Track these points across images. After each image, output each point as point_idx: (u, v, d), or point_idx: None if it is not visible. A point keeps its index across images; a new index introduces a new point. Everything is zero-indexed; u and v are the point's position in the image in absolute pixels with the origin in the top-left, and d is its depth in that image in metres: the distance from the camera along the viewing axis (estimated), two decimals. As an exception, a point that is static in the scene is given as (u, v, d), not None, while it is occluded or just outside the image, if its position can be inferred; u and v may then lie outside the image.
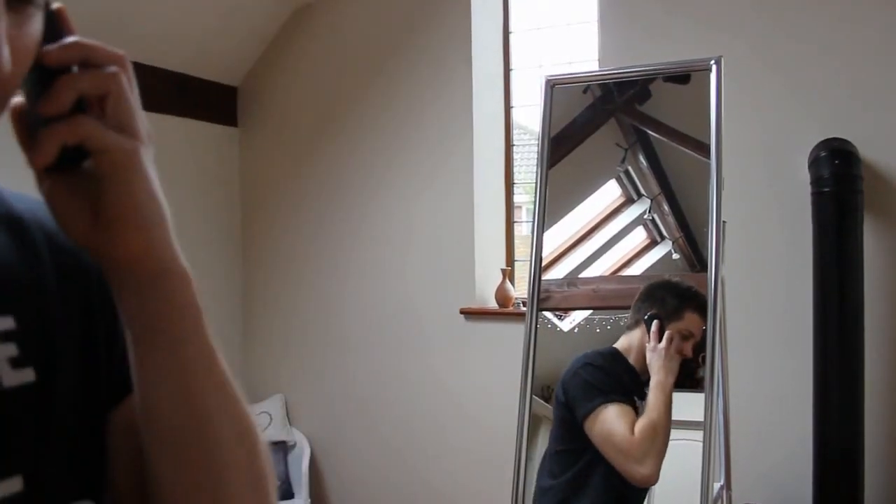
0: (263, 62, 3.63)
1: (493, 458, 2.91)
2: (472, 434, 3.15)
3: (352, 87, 3.43)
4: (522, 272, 3.24)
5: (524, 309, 2.26)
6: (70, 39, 0.47)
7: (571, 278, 2.20)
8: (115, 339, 0.57)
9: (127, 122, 0.48)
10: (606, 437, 1.90)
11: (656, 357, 1.93)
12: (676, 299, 2.01)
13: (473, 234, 3.18)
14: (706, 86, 2.03)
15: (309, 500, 3.32)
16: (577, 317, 2.18)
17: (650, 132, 2.17)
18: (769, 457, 2.62)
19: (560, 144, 2.24)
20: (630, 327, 2.02)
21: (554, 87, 2.25)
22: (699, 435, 1.87)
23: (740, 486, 2.32)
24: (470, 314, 3.17)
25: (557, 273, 2.22)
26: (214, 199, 3.59)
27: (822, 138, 2.53)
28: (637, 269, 2.16)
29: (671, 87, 2.17)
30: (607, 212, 2.22)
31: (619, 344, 2.02)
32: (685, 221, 2.11)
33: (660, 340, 1.94)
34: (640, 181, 2.17)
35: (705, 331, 1.93)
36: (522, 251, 3.34)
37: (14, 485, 0.49)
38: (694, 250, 2.07)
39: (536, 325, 2.14)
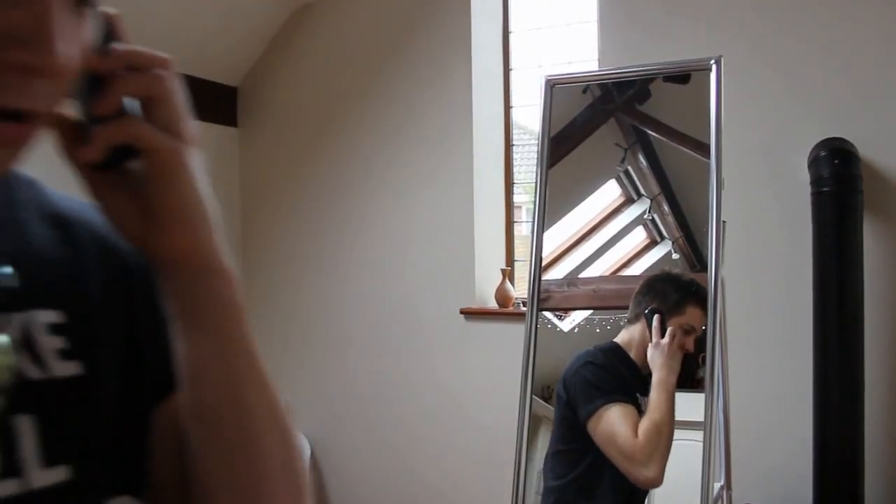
0: (263, 62, 3.63)
1: (493, 458, 2.91)
2: (472, 434, 3.15)
3: (352, 87, 3.43)
4: (522, 272, 3.24)
5: (524, 309, 2.26)
6: (120, 44, 0.49)
7: (571, 278, 2.20)
8: (157, 339, 0.57)
9: (174, 123, 0.50)
10: (610, 439, 1.88)
11: (658, 354, 1.90)
12: (678, 293, 1.98)
13: (473, 234, 3.17)
14: (706, 86, 2.02)
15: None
16: (577, 317, 2.17)
17: (650, 132, 2.17)
18: (769, 457, 2.62)
19: (560, 144, 2.24)
20: (631, 321, 1.99)
21: (554, 86, 2.25)
22: (699, 435, 1.86)
23: (740, 486, 2.32)
24: (470, 314, 3.17)
25: (557, 273, 2.22)
26: (214, 199, 3.58)
27: (822, 138, 2.53)
28: (637, 268, 2.15)
29: (671, 87, 2.17)
30: (607, 212, 2.22)
31: (620, 338, 2.00)
32: (685, 221, 2.10)
33: (661, 336, 1.91)
34: (640, 181, 2.17)
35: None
36: (522, 251, 3.34)
37: (61, 473, 0.49)
38: (694, 250, 2.07)
39: (536, 325, 2.13)
